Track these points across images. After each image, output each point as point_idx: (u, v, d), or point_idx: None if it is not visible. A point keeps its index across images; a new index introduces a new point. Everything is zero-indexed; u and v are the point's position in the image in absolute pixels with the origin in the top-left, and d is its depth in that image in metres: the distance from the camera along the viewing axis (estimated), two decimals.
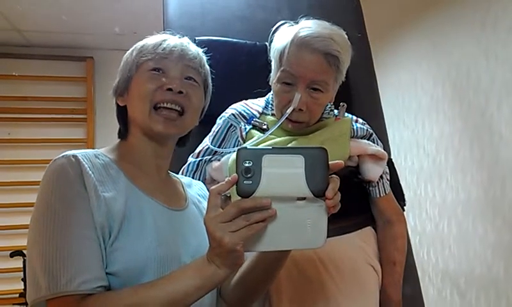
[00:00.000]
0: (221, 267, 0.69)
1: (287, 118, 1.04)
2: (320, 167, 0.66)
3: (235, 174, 0.65)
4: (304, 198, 0.66)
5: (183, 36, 0.90)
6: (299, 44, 1.01)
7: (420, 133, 2.16)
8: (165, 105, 0.82)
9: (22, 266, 2.83)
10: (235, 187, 0.66)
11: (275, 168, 0.65)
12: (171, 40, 0.87)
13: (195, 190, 0.98)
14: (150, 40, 0.87)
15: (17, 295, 3.03)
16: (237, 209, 0.65)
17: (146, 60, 0.84)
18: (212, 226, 0.66)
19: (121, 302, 0.69)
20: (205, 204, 0.95)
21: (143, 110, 0.82)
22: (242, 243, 0.65)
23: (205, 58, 0.91)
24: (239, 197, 0.66)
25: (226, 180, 0.67)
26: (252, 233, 0.65)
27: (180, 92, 0.83)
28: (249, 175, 0.65)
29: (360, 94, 1.41)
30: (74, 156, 0.75)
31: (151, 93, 0.82)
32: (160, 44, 0.85)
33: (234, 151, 1.09)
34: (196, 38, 1.33)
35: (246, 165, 0.65)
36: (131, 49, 0.89)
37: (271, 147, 0.67)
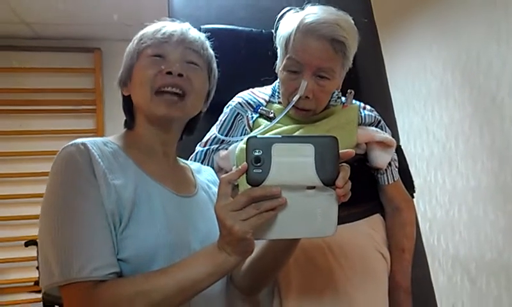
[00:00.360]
0: (232, 254, 0.70)
1: (293, 105, 1.03)
2: (331, 155, 0.66)
3: (245, 163, 0.65)
4: (314, 187, 0.66)
5: (183, 23, 0.89)
6: (305, 31, 1.00)
7: (429, 119, 2.14)
8: (166, 89, 0.82)
9: (36, 255, 2.88)
10: (244, 175, 0.66)
11: (285, 157, 0.65)
12: (170, 26, 0.87)
13: (204, 176, 0.99)
14: (150, 27, 0.87)
15: (32, 283, 3.10)
16: (247, 198, 0.65)
17: (146, 46, 0.84)
18: (222, 214, 0.66)
19: (133, 288, 0.70)
20: (214, 189, 0.96)
21: (144, 95, 0.83)
22: (252, 231, 0.65)
23: (207, 42, 0.91)
24: (248, 186, 0.66)
25: (235, 168, 0.68)
26: (262, 221, 0.65)
27: (180, 75, 0.83)
28: (259, 164, 0.65)
29: (368, 81, 1.40)
30: (83, 144, 0.76)
31: (151, 78, 0.82)
32: (160, 29, 0.85)
33: (241, 139, 1.09)
34: (202, 27, 1.32)
35: (256, 154, 0.65)
36: (133, 39, 0.89)
37: (280, 136, 0.67)
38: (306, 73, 1.01)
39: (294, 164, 0.65)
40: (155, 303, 0.69)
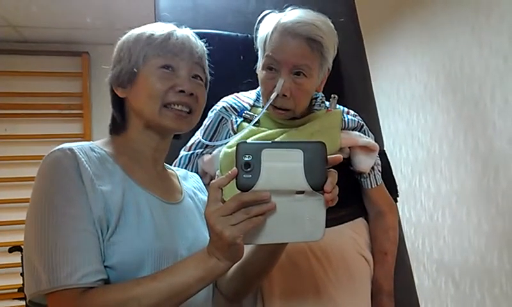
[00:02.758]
0: (222, 259, 0.70)
1: (272, 105, 1.04)
2: (319, 161, 0.67)
3: (235, 168, 0.66)
4: (303, 192, 0.67)
5: (185, 27, 0.89)
6: (282, 30, 1.01)
7: (414, 124, 2.16)
8: (176, 107, 0.83)
9: (20, 261, 2.84)
10: (234, 181, 0.67)
11: (274, 162, 0.66)
12: (179, 33, 0.85)
13: (191, 182, 0.99)
14: (157, 30, 0.85)
15: (16, 290, 3.05)
16: (237, 203, 0.66)
17: (155, 55, 0.83)
18: (212, 220, 0.67)
19: (123, 294, 0.69)
20: (200, 196, 0.96)
21: (152, 108, 0.82)
22: (242, 236, 0.66)
23: (206, 52, 0.91)
24: (232, 192, 0.67)
25: (219, 173, 0.68)
26: (252, 226, 0.66)
27: (191, 94, 0.84)
28: (248, 169, 0.66)
29: (352, 86, 1.41)
30: (70, 149, 0.75)
31: (162, 93, 0.82)
32: (169, 38, 0.84)
33: (225, 144, 1.09)
34: None
35: (246, 159, 0.66)
36: (133, 37, 0.85)
37: (270, 141, 0.69)
38: (283, 71, 1.02)
39: (284, 169, 0.66)
40: None
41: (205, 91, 0.91)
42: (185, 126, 0.85)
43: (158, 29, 0.85)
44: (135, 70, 0.83)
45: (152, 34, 0.84)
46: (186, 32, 0.87)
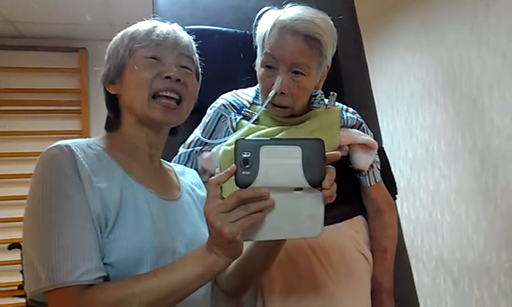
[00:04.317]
0: (221, 256, 0.70)
1: (270, 102, 1.04)
2: (317, 158, 0.67)
3: (234, 164, 0.67)
4: (301, 188, 0.68)
5: (172, 23, 0.89)
6: (280, 27, 1.01)
7: (413, 121, 2.16)
8: (164, 93, 0.83)
9: (20, 258, 2.83)
10: (233, 178, 0.67)
11: (273, 159, 0.67)
12: (163, 27, 0.86)
13: (188, 178, 0.98)
14: (141, 26, 0.87)
15: (16, 287, 3.05)
16: (236, 199, 0.66)
17: (140, 47, 0.84)
18: (212, 216, 0.67)
19: (123, 291, 0.69)
20: (198, 192, 0.96)
21: (141, 98, 0.82)
22: (241, 232, 0.66)
23: (195, 45, 0.91)
24: (230, 189, 0.67)
25: (218, 170, 0.68)
26: (251, 222, 0.66)
27: (178, 80, 0.83)
28: (247, 166, 0.66)
29: (351, 83, 1.40)
30: (67, 146, 0.75)
31: (149, 81, 0.82)
32: (153, 31, 0.85)
33: (224, 141, 1.09)
34: (186, 27, 1.32)
35: (245, 156, 0.66)
36: (120, 35, 0.88)
37: (268, 138, 0.69)
38: (281, 69, 1.02)
39: (282, 166, 0.67)
40: (145, 305, 0.69)
41: (197, 82, 0.90)
42: (174, 118, 0.85)
43: (142, 24, 0.87)
44: (122, 63, 0.84)
45: (137, 29, 0.86)
46: (171, 26, 0.88)
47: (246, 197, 0.66)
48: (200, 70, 0.93)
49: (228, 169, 0.67)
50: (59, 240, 0.69)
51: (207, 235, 0.72)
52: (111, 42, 0.88)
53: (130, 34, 0.86)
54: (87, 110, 3.53)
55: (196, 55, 0.92)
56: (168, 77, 0.82)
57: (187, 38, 0.89)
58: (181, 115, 0.86)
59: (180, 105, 0.85)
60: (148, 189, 0.82)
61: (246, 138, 0.69)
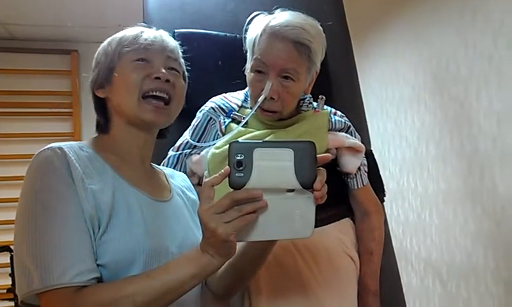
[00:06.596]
0: (215, 256, 0.71)
1: (260, 107, 1.05)
2: (309, 160, 0.69)
3: (228, 166, 0.68)
4: (293, 190, 0.69)
5: (158, 29, 0.91)
6: (270, 33, 1.02)
7: (402, 124, 2.18)
8: (154, 93, 0.84)
9: (9, 261, 2.82)
10: (226, 179, 0.69)
11: (266, 161, 0.68)
12: (150, 32, 0.88)
13: (178, 181, 0.99)
14: (128, 32, 0.88)
15: (5, 290, 3.02)
16: (230, 200, 0.67)
17: (128, 50, 0.85)
18: (206, 217, 0.68)
19: (117, 292, 0.69)
20: (189, 195, 0.97)
21: (131, 100, 0.83)
22: (234, 233, 0.68)
23: (181, 50, 0.93)
24: (222, 191, 0.68)
25: (207, 173, 0.68)
26: (244, 223, 0.68)
27: (167, 80, 0.85)
28: (241, 168, 0.68)
29: (340, 87, 1.42)
30: (60, 148, 0.76)
31: (139, 82, 0.83)
32: (141, 35, 0.86)
33: (213, 144, 1.10)
34: (176, 31, 1.33)
35: (238, 158, 0.68)
36: (107, 41, 0.89)
37: (261, 141, 0.71)
38: (271, 74, 1.03)
39: (275, 168, 0.68)
40: (139, 306, 0.69)
41: (184, 84, 0.92)
42: (163, 119, 0.86)
43: (129, 30, 0.89)
44: (111, 66, 0.85)
45: (124, 35, 0.88)
46: (158, 32, 0.90)
47: (239, 198, 0.67)
48: (186, 73, 0.95)
49: (222, 170, 0.69)
50: (52, 241, 0.69)
51: (199, 236, 0.72)
52: (99, 48, 0.89)
53: (118, 40, 0.87)
54: (79, 112, 3.52)
55: (182, 59, 0.93)
56: (157, 78, 0.84)
57: (173, 43, 0.91)
58: (170, 115, 0.87)
59: (168, 106, 0.86)
60: (139, 191, 0.83)
61: (240, 140, 0.71)
